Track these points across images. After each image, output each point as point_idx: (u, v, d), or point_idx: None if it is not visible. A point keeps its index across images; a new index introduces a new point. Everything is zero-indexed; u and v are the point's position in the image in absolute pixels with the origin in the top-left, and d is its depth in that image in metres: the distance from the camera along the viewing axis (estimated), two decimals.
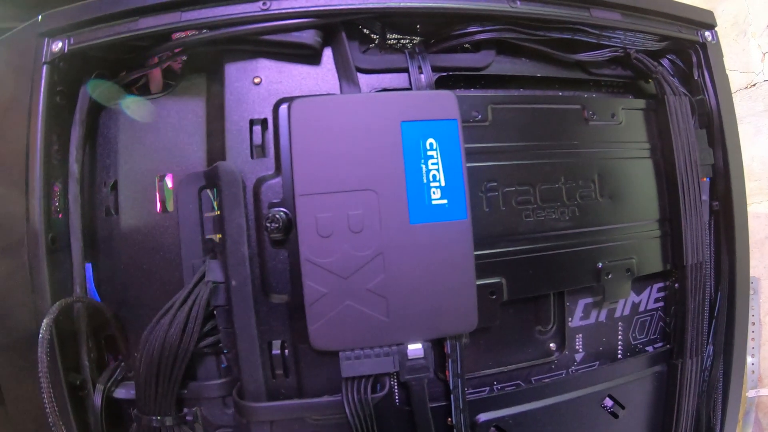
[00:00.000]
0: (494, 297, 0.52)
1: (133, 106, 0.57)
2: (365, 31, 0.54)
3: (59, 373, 0.51)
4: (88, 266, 0.56)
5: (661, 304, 0.63)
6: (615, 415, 0.59)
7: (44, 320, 0.49)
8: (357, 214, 0.46)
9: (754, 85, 0.78)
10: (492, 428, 0.54)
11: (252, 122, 0.50)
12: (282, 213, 0.48)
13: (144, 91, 0.60)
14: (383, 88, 0.52)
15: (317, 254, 0.46)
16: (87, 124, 0.56)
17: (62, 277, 0.54)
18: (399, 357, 0.47)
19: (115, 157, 0.57)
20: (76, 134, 0.55)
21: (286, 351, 0.50)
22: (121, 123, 0.57)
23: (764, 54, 0.79)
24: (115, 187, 0.56)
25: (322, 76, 0.52)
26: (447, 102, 0.48)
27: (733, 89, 0.71)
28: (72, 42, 0.53)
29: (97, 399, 0.54)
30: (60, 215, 0.55)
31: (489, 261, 0.52)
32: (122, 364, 0.57)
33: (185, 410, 0.54)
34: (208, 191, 0.53)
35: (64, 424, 0.52)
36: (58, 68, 0.54)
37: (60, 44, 0.53)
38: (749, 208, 0.64)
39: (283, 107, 0.50)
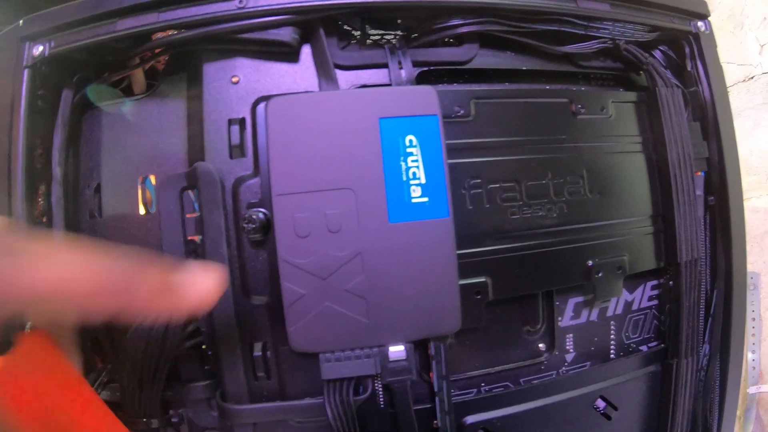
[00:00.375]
0: (479, 297, 0.51)
1: (114, 108, 0.57)
2: (345, 27, 0.53)
3: None
4: None
5: (655, 302, 0.62)
6: (608, 417, 0.57)
7: (28, 324, 0.50)
8: (335, 213, 0.45)
9: (752, 77, 0.76)
10: (479, 431, 0.53)
11: (230, 122, 0.50)
12: (260, 213, 0.48)
13: (128, 92, 0.60)
14: (362, 85, 0.51)
15: (295, 255, 0.45)
16: (70, 127, 0.56)
17: None
18: (380, 359, 0.47)
19: (98, 160, 0.56)
20: (59, 137, 0.55)
21: (268, 353, 0.50)
22: (104, 125, 0.57)
23: (762, 46, 0.76)
24: (98, 189, 0.56)
25: (301, 73, 0.51)
26: (427, 97, 0.47)
27: (730, 82, 0.69)
28: (53, 45, 0.53)
29: None
30: (44, 219, 0.55)
31: (473, 260, 0.51)
32: (108, 366, 0.57)
33: (171, 412, 0.54)
34: (190, 192, 0.53)
35: None
36: (40, 72, 0.53)
37: (41, 48, 0.53)
38: (748, 203, 0.63)
39: (261, 106, 0.49)
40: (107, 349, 0.56)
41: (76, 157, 0.57)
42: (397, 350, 0.47)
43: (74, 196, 0.57)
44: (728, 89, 0.62)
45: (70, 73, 0.56)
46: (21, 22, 0.54)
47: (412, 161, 0.47)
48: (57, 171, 0.55)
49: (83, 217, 0.57)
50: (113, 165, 0.56)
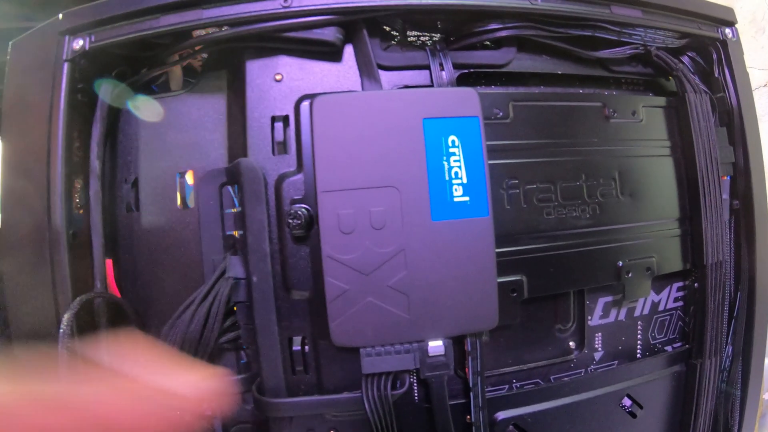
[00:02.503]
0: (515, 295, 0.52)
1: (150, 105, 0.57)
2: (386, 28, 0.53)
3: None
4: (109, 262, 0.57)
5: (680, 303, 0.63)
6: (633, 415, 0.58)
7: (65, 315, 0.50)
8: (379, 210, 0.46)
9: None
10: (510, 426, 0.53)
11: (273, 119, 0.50)
12: (304, 209, 0.48)
13: (164, 88, 0.60)
14: (405, 85, 0.52)
15: (339, 251, 0.46)
16: (108, 121, 0.56)
17: (83, 272, 0.54)
18: (419, 354, 0.47)
19: (135, 154, 0.57)
20: (97, 131, 0.55)
21: (306, 347, 0.51)
22: (141, 120, 0.57)
23: None
24: (135, 183, 0.57)
25: (344, 73, 0.52)
26: (469, 99, 0.48)
27: (753, 87, 0.70)
28: (93, 40, 0.53)
29: None
30: (81, 211, 0.55)
31: (510, 259, 0.52)
32: None
33: None
34: (229, 188, 0.54)
35: None
36: (79, 66, 0.54)
37: (81, 42, 0.53)
38: None
39: (305, 104, 0.50)
40: None
41: (114, 151, 0.58)
42: (436, 345, 0.48)
43: (111, 189, 0.57)
44: None
45: (109, 68, 0.56)
46: (60, 15, 0.55)
47: (455, 161, 0.48)
48: (96, 164, 0.55)
49: (120, 210, 0.57)
50: (151, 159, 0.57)
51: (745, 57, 0.64)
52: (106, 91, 0.56)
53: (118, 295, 0.57)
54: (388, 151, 0.47)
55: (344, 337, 0.47)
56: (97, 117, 0.56)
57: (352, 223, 0.46)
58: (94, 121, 0.56)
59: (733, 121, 0.61)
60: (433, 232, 0.47)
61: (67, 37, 0.54)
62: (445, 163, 0.47)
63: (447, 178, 0.47)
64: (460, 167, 0.48)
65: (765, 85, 0.77)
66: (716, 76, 0.62)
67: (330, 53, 0.52)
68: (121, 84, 0.57)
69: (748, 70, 0.63)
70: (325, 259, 0.46)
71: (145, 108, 0.57)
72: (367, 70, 0.50)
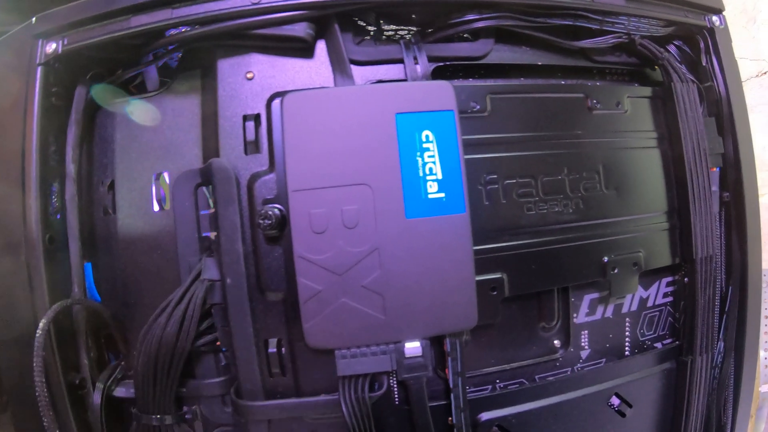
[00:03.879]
0: (495, 293, 0.50)
1: (129, 106, 0.57)
2: (359, 22, 0.52)
3: (58, 373, 0.52)
4: (88, 265, 0.56)
5: (670, 299, 0.61)
6: (622, 414, 0.57)
7: (41, 321, 0.50)
8: (351, 209, 0.45)
9: (765, 73, 0.75)
10: (494, 428, 0.52)
11: (245, 118, 0.50)
12: (276, 209, 0.47)
13: (141, 89, 0.60)
14: (378, 80, 0.51)
15: (311, 251, 0.45)
16: (83, 123, 0.56)
17: (61, 276, 0.54)
18: (396, 355, 0.46)
19: (112, 156, 0.56)
20: (72, 134, 0.55)
21: (283, 349, 0.50)
22: (117, 122, 0.57)
23: None
24: (112, 186, 0.56)
25: (316, 69, 0.51)
26: (443, 92, 0.47)
27: (743, 77, 0.68)
28: (66, 43, 0.53)
29: (97, 397, 0.54)
30: (58, 215, 0.55)
31: (489, 256, 0.51)
32: (122, 362, 0.57)
33: (185, 408, 0.54)
34: (204, 189, 0.53)
35: (63, 422, 0.52)
36: (54, 69, 0.54)
37: (54, 45, 0.53)
38: (763, 200, 0.62)
39: (276, 102, 0.49)
40: (121, 345, 0.57)
41: (90, 154, 0.57)
42: (413, 347, 0.47)
43: (88, 192, 0.57)
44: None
45: (84, 70, 0.56)
46: (34, 19, 0.54)
47: (429, 157, 0.46)
48: (71, 168, 0.55)
49: (97, 213, 0.57)
50: (127, 162, 0.56)
51: (737, 47, 0.62)
52: (81, 94, 0.56)
53: (99, 298, 0.57)
54: (360, 147, 0.46)
55: (319, 339, 0.46)
56: (72, 120, 0.55)
57: (324, 222, 0.45)
58: (69, 125, 0.55)
59: (722, 110, 0.60)
60: (407, 230, 0.46)
61: (40, 41, 0.53)
62: (419, 159, 0.46)
63: (421, 174, 0.46)
64: (434, 163, 0.47)
65: (757, 76, 0.75)
66: (704, 64, 0.60)
67: (302, 49, 0.51)
68: (97, 86, 0.56)
69: (740, 60, 0.62)
70: (297, 260, 0.45)
71: (130, 109, 0.57)
72: (340, 65, 0.49)
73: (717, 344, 0.60)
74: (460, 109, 0.49)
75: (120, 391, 0.55)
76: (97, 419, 0.54)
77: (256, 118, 0.50)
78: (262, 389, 0.50)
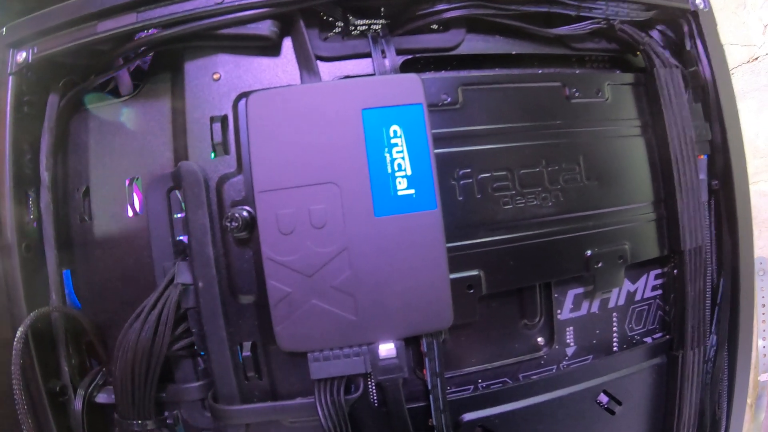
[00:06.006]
0: (472, 291, 0.49)
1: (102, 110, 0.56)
2: (326, 18, 0.51)
3: (38, 380, 0.52)
4: (67, 273, 0.56)
5: (659, 291, 0.59)
6: (611, 412, 0.55)
7: (18, 330, 0.50)
8: (319, 208, 0.44)
9: (756, 58, 0.72)
10: (477, 428, 0.51)
11: (212, 119, 0.49)
12: (244, 211, 0.47)
13: (115, 93, 0.60)
14: (346, 76, 0.50)
15: (279, 252, 0.44)
16: (57, 131, 0.56)
17: (40, 284, 0.54)
18: (370, 357, 0.46)
19: (86, 163, 0.56)
20: (46, 142, 0.55)
21: (258, 352, 0.49)
22: (90, 128, 0.56)
23: (765, 26, 0.73)
24: (87, 193, 0.56)
25: (282, 67, 0.50)
26: (411, 86, 0.46)
27: (734, 64, 0.66)
28: (36, 51, 0.53)
29: (78, 404, 0.54)
30: (35, 223, 0.55)
31: (465, 253, 0.49)
32: (103, 369, 0.57)
33: (166, 413, 0.54)
34: (177, 192, 0.52)
35: (45, 429, 0.52)
36: (26, 78, 0.54)
37: (24, 54, 0.53)
38: (755, 187, 0.60)
39: (242, 102, 0.48)
40: (101, 351, 0.56)
41: (65, 161, 0.57)
42: (387, 348, 0.46)
43: (65, 200, 0.57)
44: (732, 71, 0.59)
45: (56, 78, 0.56)
46: (4, 30, 0.54)
47: (397, 152, 0.45)
48: (45, 176, 0.55)
49: (74, 220, 0.57)
50: (101, 168, 0.56)
51: (727, 33, 0.60)
52: (54, 102, 0.55)
53: (79, 305, 0.57)
54: (327, 145, 0.45)
55: (290, 342, 0.45)
56: (46, 128, 0.55)
57: (292, 222, 0.44)
58: (43, 133, 0.55)
59: (709, 96, 0.57)
60: (377, 229, 0.45)
61: (11, 50, 0.53)
62: (387, 155, 0.45)
63: (390, 170, 0.45)
64: (403, 158, 0.45)
65: (748, 61, 0.72)
66: (688, 49, 0.58)
67: (268, 48, 0.50)
68: (69, 93, 0.56)
69: (730, 46, 0.59)
70: (265, 261, 0.44)
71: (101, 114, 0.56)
72: (305, 62, 0.48)
73: (709, 337, 0.58)
74: (431, 102, 0.48)
75: (102, 397, 0.55)
76: (78, 426, 0.54)
77: (223, 119, 0.49)
78: (238, 393, 0.49)
